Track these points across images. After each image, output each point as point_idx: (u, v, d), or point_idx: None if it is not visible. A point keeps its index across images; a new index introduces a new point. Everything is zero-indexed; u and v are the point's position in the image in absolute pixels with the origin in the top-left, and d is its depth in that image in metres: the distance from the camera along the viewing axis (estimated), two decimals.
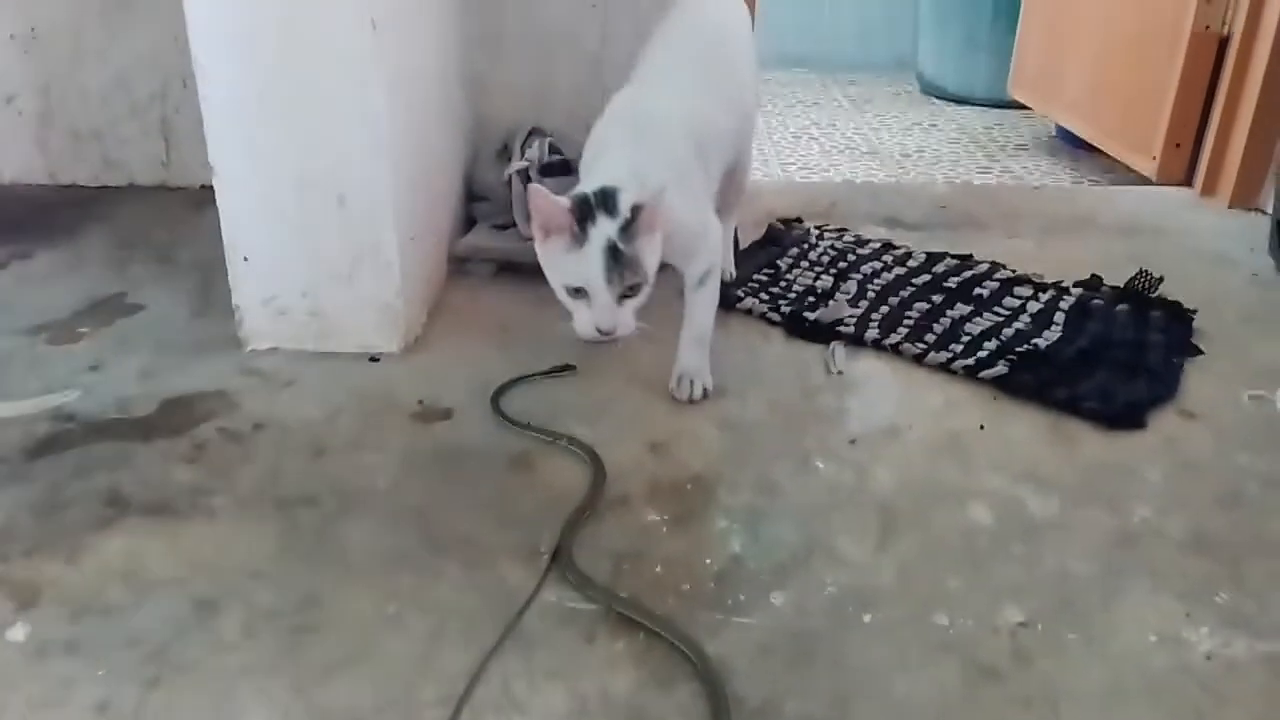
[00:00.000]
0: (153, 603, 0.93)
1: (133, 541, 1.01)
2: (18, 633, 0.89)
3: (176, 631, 0.90)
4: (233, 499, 1.08)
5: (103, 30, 1.95)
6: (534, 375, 1.32)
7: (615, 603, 0.92)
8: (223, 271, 1.38)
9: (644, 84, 1.34)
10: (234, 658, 0.87)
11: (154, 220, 1.89)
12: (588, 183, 1.16)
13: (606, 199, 1.11)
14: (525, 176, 1.71)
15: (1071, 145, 2.76)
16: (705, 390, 1.29)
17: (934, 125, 3.16)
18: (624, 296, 1.12)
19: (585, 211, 1.11)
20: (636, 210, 1.10)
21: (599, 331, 1.11)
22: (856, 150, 2.86)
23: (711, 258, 1.29)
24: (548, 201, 1.10)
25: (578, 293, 1.12)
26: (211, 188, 1.32)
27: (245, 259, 1.33)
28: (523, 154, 1.73)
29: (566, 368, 1.35)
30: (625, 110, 1.29)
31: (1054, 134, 2.91)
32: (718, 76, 1.40)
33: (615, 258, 1.09)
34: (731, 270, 1.62)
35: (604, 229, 1.10)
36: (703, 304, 1.30)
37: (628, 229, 1.10)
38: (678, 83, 1.33)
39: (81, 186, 2.05)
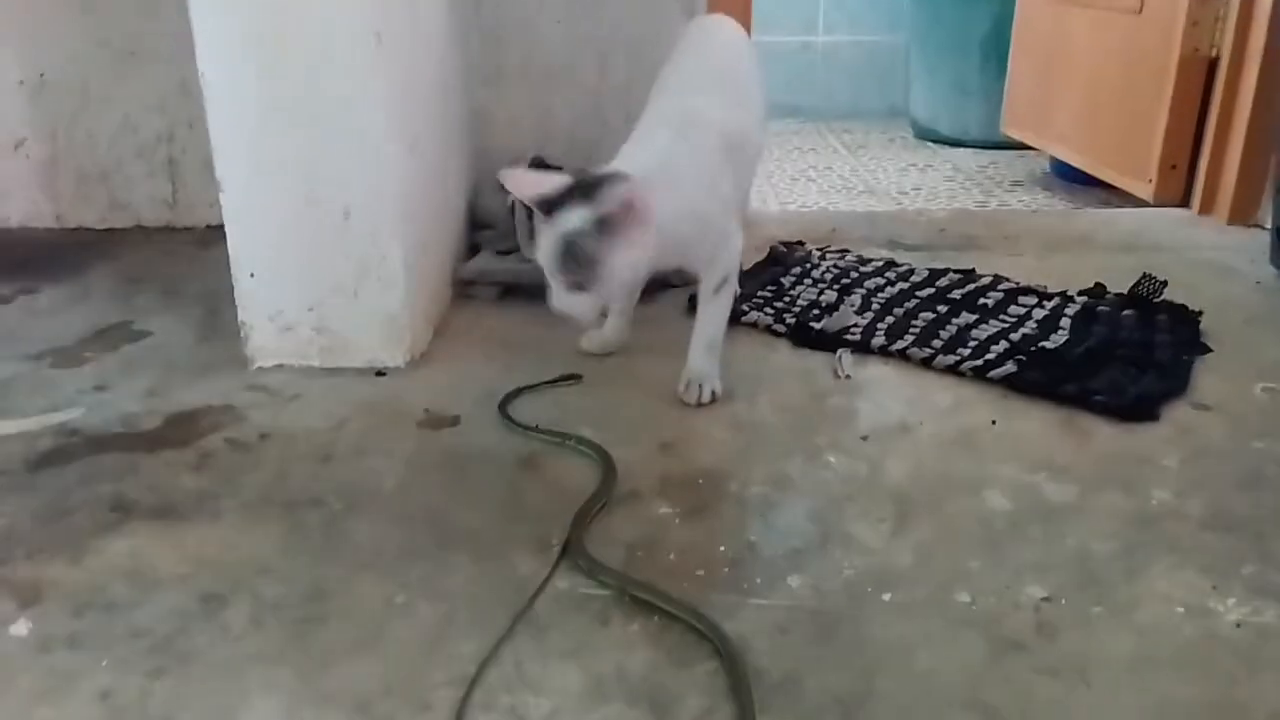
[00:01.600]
0: (158, 598, 0.91)
1: (137, 543, 1.00)
2: (20, 628, 0.87)
3: (182, 624, 0.88)
4: (239, 502, 1.07)
5: (110, 75, 1.98)
6: (540, 384, 1.32)
7: (629, 586, 0.91)
8: (229, 300, 1.38)
9: (682, 91, 1.37)
10: (240, 647, 0.85)
11: (160, 258, 1.91)
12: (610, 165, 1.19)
13: (589, 189, 1.12)
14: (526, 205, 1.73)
15: (1066, 179, 2.79)
16: (714, 394, 1.28)
17: (929, 166, 3.20)
18: (575, 287, 1.14)
19: (557, 199, 1.12)
20: (624, 205, 1.10)
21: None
22: (854, 190, 2.88)
23: (729, 266, 1.31)
24: (521, 182, 1.17)
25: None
26: (218, 227, 1.34)
27: (251, 275, 1.34)
28: None
29: (573, 377, 1.34)
30: (670, 108, 1.32)
31: (1048, 169, 2.94)
32: (739, 93, 1.43)
33: (570, 250, 1.11)
34: (736, 287, 1.62)
35: (568, 220, 1.11)
36: (717, 311, 1.31)
37: (601, 223, 1.10)
38: (711, 92, 1.36)
39: (88, 228, 2.07)
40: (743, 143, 1.37)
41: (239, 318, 1.37)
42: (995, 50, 3.17)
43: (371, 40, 1.23)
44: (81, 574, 0.95)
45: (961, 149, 3.42)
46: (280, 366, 1.38)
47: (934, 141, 3.55)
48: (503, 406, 1.25)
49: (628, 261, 1.13)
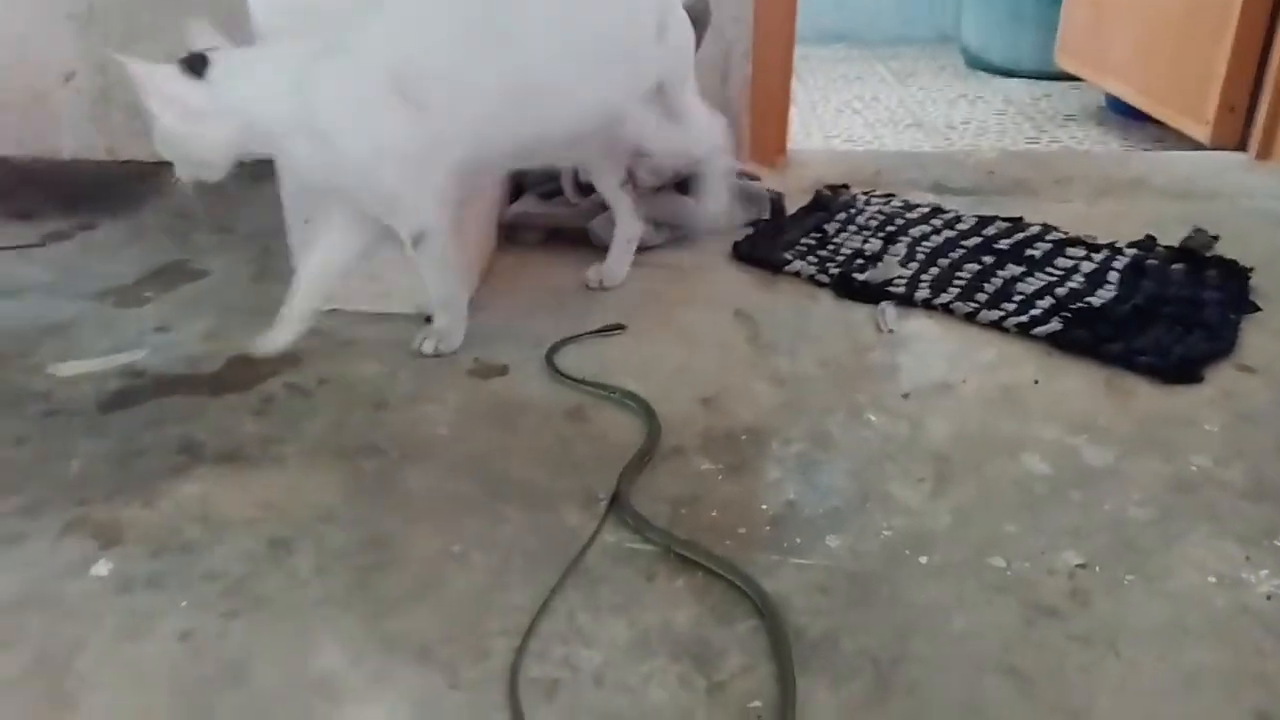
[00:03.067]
0: (229, 542, 0.96)
1: (206, 486, 1.05)
2: (101, 568, 0.93)
3: (253, 568, 0.93)
4: (300, 448, 1.12)
5: (157, 6, 1.98)
6: (585, 334, 1.34)
7: (674, 543, 0.94)
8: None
9: (372, 14, 1.22)
10: (308, 592, 0.90)
11: (212, 192, 1.93)
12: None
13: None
14: None
15: (1121, 114, 2.73)
16: (438, 350, 1.31)
17: (980, 97, 3.14)
18: None
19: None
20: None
21: None
22: (900, 123, 2.84)
23: (416, 219, 1.24)
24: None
25: None
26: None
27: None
28: None
29: (617, 327, 1.36)
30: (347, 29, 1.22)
31: (1103, 104, 2.87)
32: (513, 39, 1.24)
33: None
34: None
35: None
36: (426, 268, 1.29)
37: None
38: (414, 23, 1.23)
39: (140, 162, 2.10)
40: (452, 84, 1.21)
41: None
42: None
43: None
44: (156, 516, 1.00)
45: (1014, 79, 3.34)
46: (334, 311, 1.41)
47: (985, 71, 3.47)
48: (549, 357, 1.28)
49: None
